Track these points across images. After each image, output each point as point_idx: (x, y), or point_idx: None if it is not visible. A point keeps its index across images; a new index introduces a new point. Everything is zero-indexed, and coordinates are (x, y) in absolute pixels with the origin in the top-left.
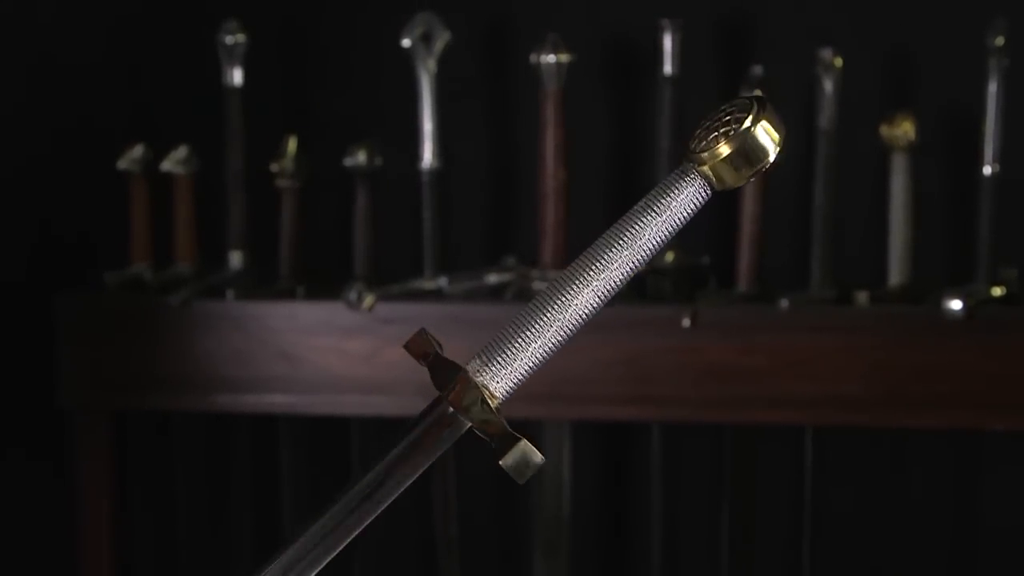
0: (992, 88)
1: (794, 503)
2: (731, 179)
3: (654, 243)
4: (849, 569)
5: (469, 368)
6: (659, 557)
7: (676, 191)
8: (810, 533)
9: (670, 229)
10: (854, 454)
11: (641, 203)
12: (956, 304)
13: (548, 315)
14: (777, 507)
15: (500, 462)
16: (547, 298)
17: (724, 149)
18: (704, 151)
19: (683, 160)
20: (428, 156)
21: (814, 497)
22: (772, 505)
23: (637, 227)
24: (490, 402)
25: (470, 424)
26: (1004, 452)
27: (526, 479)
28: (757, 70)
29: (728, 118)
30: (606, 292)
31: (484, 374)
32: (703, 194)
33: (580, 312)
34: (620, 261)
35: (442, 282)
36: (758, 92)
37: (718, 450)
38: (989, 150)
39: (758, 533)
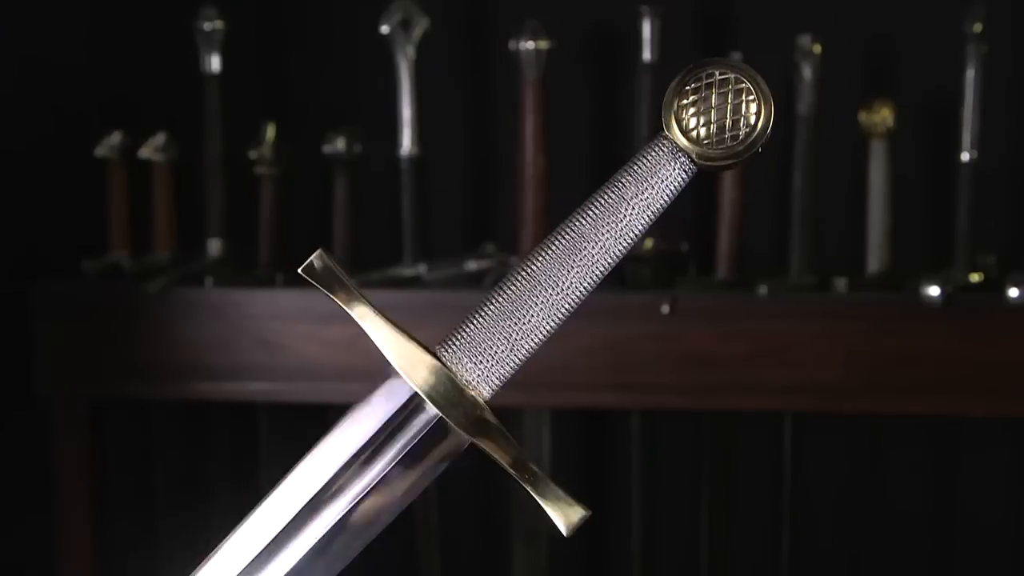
0: (970, 75)
1: (773, 490)
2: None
3: (636, 214)
4: (828, 554)
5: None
6: (639, 544)
7: (656, 168)
8: (789, 519)
9: (650, 202)
10: (833, 440)
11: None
12: (935, 290)
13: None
14: (757, 494)
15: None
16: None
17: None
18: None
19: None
20: (407, 143)
21: (793, 483)
22: (752, 492)
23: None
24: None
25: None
26: (982, 437)
27: None
28: (736, 56)
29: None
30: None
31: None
32: (685, 174)
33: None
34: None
35: (422, 269)
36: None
37: (698, 437)
38: (967, 136)
39: (738, 520)
